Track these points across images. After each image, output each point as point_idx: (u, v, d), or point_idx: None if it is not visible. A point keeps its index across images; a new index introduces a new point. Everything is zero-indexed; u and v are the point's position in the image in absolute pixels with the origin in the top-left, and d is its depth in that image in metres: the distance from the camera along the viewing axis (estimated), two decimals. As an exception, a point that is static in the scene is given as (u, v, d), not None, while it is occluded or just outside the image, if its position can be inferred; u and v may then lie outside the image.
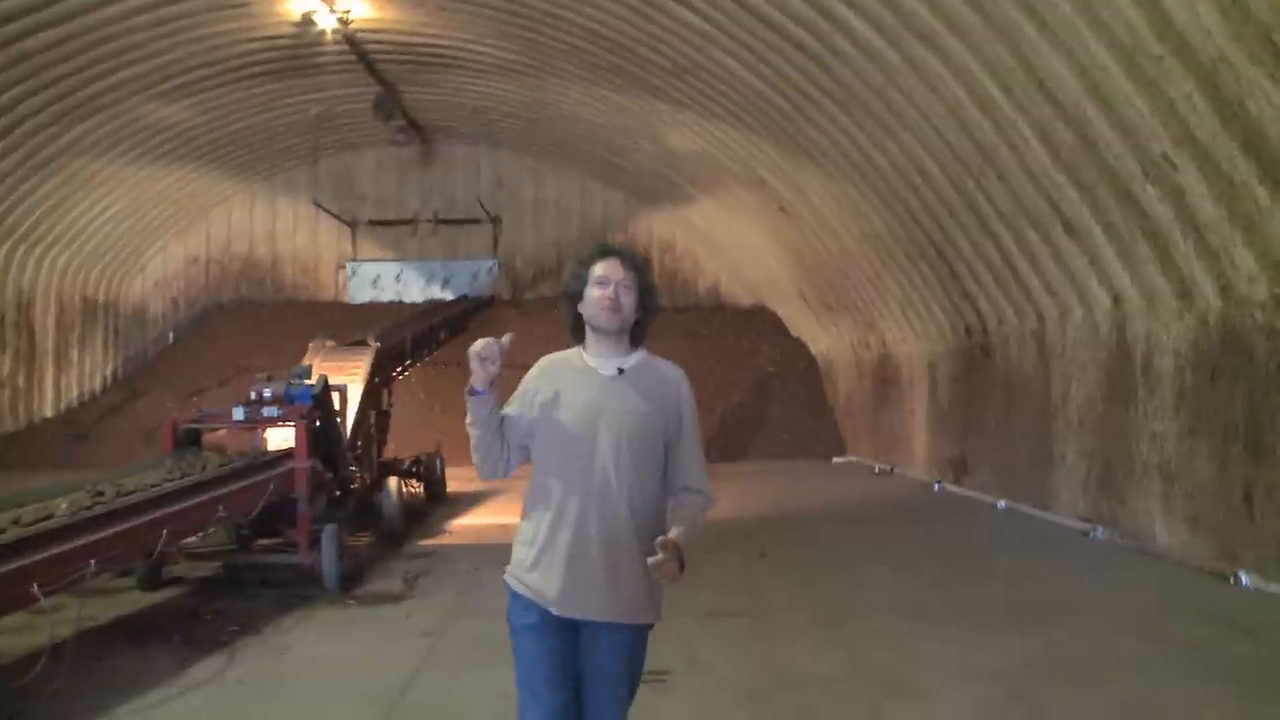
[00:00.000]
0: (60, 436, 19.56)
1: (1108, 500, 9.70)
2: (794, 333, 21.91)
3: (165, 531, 5.89)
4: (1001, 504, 11.92)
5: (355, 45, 16.68)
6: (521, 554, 3.17)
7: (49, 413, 20.48)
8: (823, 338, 20.33)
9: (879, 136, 11.93)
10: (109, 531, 5.42)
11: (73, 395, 21.28)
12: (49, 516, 5.61)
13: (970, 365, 13.47)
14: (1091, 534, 9.73)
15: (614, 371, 3.20)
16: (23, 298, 19.53)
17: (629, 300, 3.18)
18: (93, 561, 5.10)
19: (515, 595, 3.15)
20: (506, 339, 3.07)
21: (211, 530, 8.75)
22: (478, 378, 3.03)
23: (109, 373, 22.49)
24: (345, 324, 19.32)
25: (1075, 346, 10.48)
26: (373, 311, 21.15)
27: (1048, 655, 6.03)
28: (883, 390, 17.18)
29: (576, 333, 3.30)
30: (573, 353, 3.30)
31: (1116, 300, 9.45)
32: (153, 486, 6.70)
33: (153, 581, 8.04)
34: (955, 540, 10.20)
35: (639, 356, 3.27)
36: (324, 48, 16.68)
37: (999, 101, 9.18)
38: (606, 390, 3.16)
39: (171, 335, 23.38)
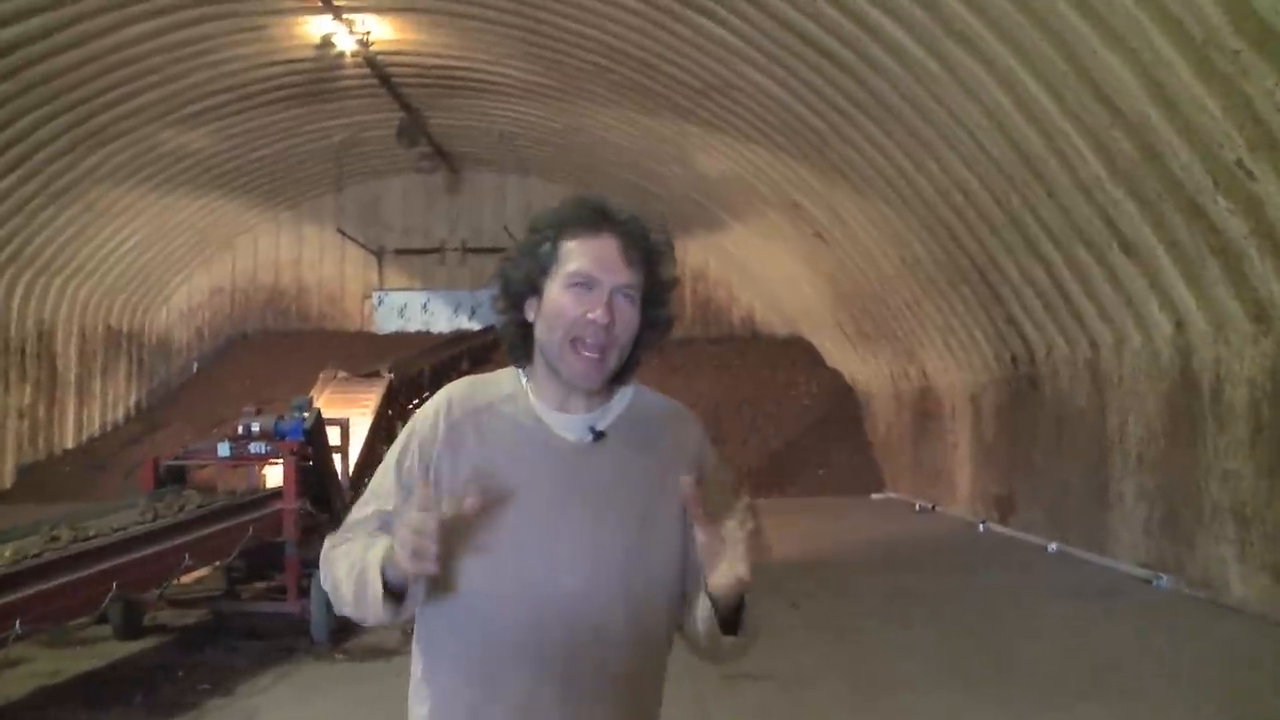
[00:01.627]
0: (80, 467, 19.14)
1: (1173, 545, 8.87)
2: (830, 364, 21.14)
3: (114, 585, 5.25)
4: (1053, 546, 11.09)
5: (377, 68, 16.24)
6: None
7: (70, 444, 20.07)
8: (860, 369, 19.55)
9: (917, 153, 11.23)
10: (39, 587, 4.78)
11: (94, 426, 20.86)
12: (-13, 566, 5.03)
13: (1017, 397, 12.66)
14: (1155, 582, 8.89)
15: (585, 434, 1.87)
16: (43, 328, 19.16)
17: (628, 324, 1.83)
18: (18, 622, 4.46)
19: None
20: (470, 505, 1.68)
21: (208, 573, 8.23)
22: (403, 564, 1.68)
23: (132, 404, 22.09)
24: (370, 355, 18.83)
25: (1133, 376, 9.68)
26: (399, 342, 20.68)
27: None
28: (923, 423, 16.37)
29: (518, 351, 1.93)
30: (508, 383, 1.94)
31: (1179, 325, 8.66)
32: (116, 530, 6.10)
33: (130, 631, 7.43)
34: (1004, 588, 9.39)
35: (626, 398, 1.94)
36: (345, 71, 16.27)
37: (1048, 109, 8.45)
38: (576, 474, 1.84)
39: (195, 366, 23.00)
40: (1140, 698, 5.84)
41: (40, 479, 18.53)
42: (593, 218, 1.85)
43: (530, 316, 1.88)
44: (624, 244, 1.83)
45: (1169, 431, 9.03)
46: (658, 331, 1.92)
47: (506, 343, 1.95)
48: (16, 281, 17.95)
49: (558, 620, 1.79)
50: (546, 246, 1.85)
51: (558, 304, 1.81)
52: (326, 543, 1.98)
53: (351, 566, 1.83)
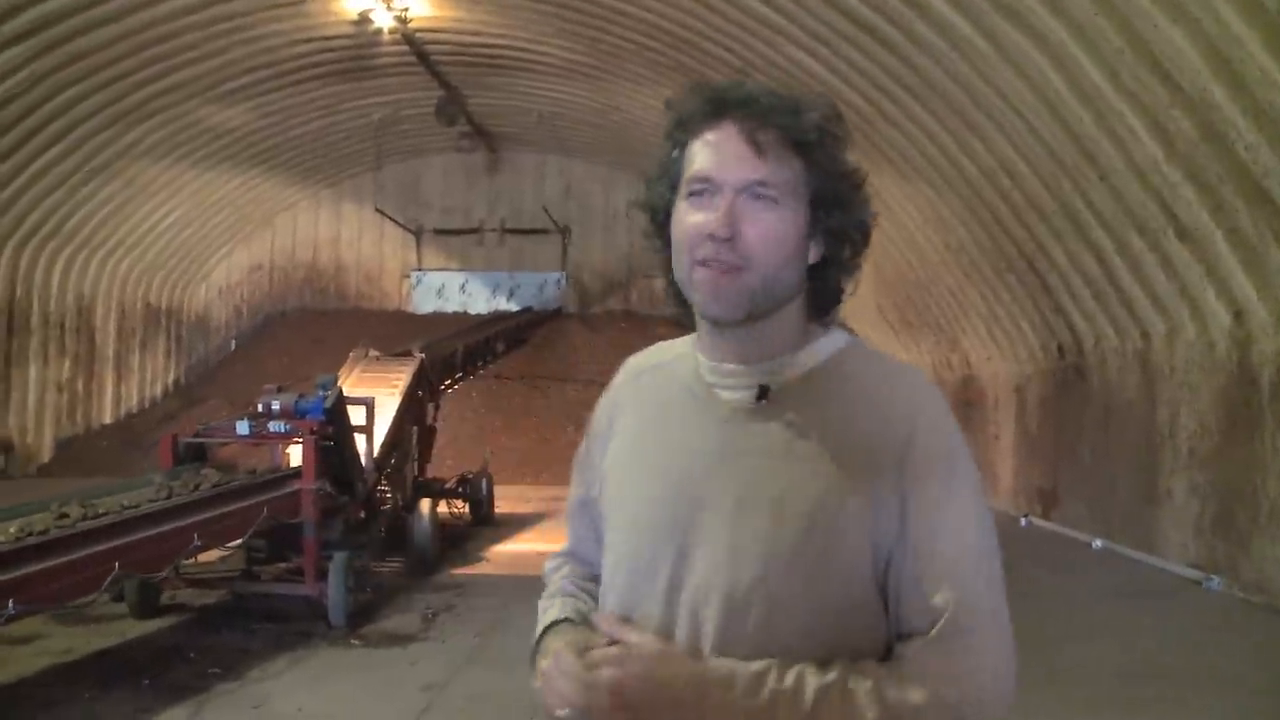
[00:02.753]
0: (117, 443, 19.21)
1: (1226, 545, 8.49)
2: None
3: (117, 565, 5.08)
4: (1098, 543, 10.73)
5: (415, 46, 16.07)
6: None
7: (108, 419, 20.16)
8: (901, 357, 19.15)
9: (964, 135, 10.86)
10: (37, 566, 4.61)
11: (132, 402, 20.95)
12: (-11, 543, 4.88)
13: (1063, 388, 12.28)
14: (1206, 583, 8.53)
15: (748, 395, 1.44)
16: (83, 303, 19.23)
17: (765, 233, 1.39)
18: (10, 602, 4.29)
19: None
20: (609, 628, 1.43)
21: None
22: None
23: (170, 380, 22.16)
24: (407, 334, 18.71)
25: (1186, 368, 9.29)
26: (437, 322, 20.57)
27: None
28: (965, 413, 15.98)
29: (676, 298, 1.53)
30: (686, 343, 1.58)
31: (1238, 316, 8.27)
32: (127, 508, 5.95)
33: (146, 609, 7.31)
34: (1048, 585, 9.03)
35: (825, 349, 1.48)
36: (383, 48, 16.11)
37: (1102, 88, 8.07)
38: (727, 450, 1.42)
39: (234, 343, 23.03)
40: (1189, 708, 5.52)
41: (78, 453, 18.64)
42: (708, 105, 1.43)
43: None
44: (749, 128, 1.39)
45: (1224, 427, 8.64)
46: (846, 242, 1.47)
47: (669, 294, 1.54)
48: (57, 256, 18.01)
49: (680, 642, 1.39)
50: (676, 154, 1.46)
51: (679, 223, 1.43)
52: (548, 564, 1.75)
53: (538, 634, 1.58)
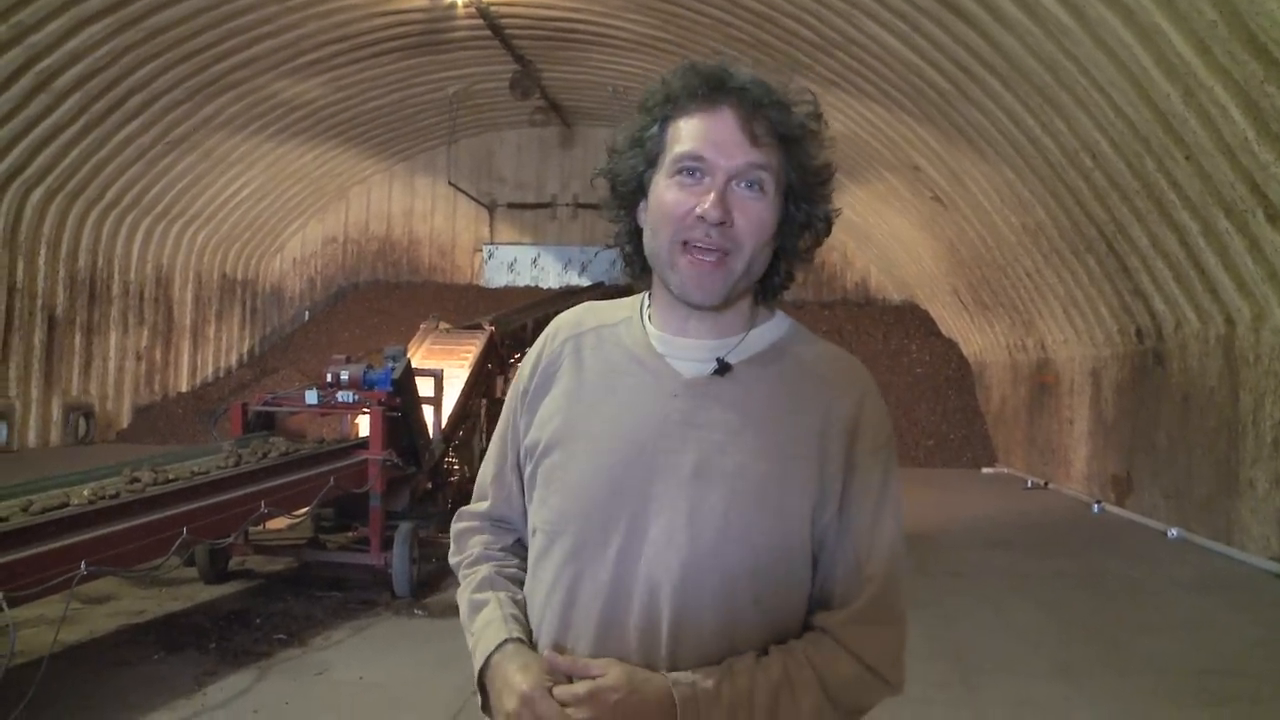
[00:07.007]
0: (192, 412, 19.61)
1: (1309, 539, 8.23)
2: (945, 332, 20.47)
3: (184, 530, 5.14)
4: (1173, 532, 10.45)
5: (489, 19, 16.08)
6: None
7: (184, 387, 20.61)
8: (976, 338, 18.86)
9: (1046, 115, 10.58)
10: (106, 530, 4.68)
11: (208, 371, 21.39)
12: (63, 505, 4.97)
13: (1140, 373, 11.97)
14: (1288, 577, 8.28)
15: (706, 368, 1.49)
16: (161, 273, 19.66)
17: (755, 222, 1.44)
18: (83, 563, 4.36)
19: None
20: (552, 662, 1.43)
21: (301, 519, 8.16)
22: None
23: (245, 350, 22.57)
24: (479, 308, 18.91)
25: (1272, 355, 8.99)
26: (508, 296, 20.68)
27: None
28: (1039, 397, 15.69)
29: (635, 267, 1.58)
30: (628, 307, 1.62)
31: (1329, 302, 7.98)
32: (197, 475, 6.03)
33: (216, 575, 7.43)
34: (1120, 575, 8.82)
35: (772, 332, 1.55)
36: (457, 22, 16.17)
37: (1191, 64, 7.79)
38: (683, 420, 1.46)
39: (307, 314, 23.35)
40: (1271, 708, 5.33)
41: (155, 420, 19.07)
42: (706, 86, 1.46)
43: (643, 226, 1.53)
44: (745, 115, 1.43)
45: (1310, 416, 8.35)
46: (809, 234, 1.51)
47: (623, 259, 1.60)
48: (137, 226, 18.41)
49: (636, 623, 1.42)
50: (654, 130, 1.50)
51: (661, 200, 1.46)
52: (457, 523, 1.77)
53: (468, 622, 1.60)
